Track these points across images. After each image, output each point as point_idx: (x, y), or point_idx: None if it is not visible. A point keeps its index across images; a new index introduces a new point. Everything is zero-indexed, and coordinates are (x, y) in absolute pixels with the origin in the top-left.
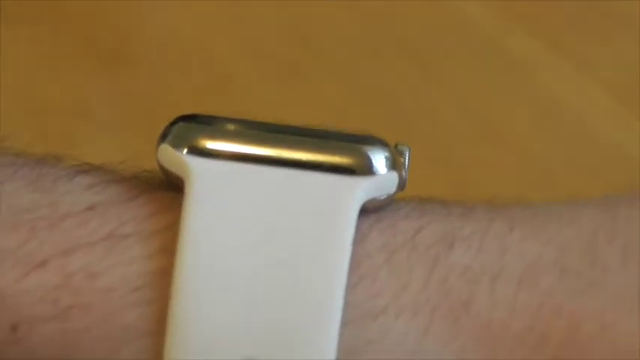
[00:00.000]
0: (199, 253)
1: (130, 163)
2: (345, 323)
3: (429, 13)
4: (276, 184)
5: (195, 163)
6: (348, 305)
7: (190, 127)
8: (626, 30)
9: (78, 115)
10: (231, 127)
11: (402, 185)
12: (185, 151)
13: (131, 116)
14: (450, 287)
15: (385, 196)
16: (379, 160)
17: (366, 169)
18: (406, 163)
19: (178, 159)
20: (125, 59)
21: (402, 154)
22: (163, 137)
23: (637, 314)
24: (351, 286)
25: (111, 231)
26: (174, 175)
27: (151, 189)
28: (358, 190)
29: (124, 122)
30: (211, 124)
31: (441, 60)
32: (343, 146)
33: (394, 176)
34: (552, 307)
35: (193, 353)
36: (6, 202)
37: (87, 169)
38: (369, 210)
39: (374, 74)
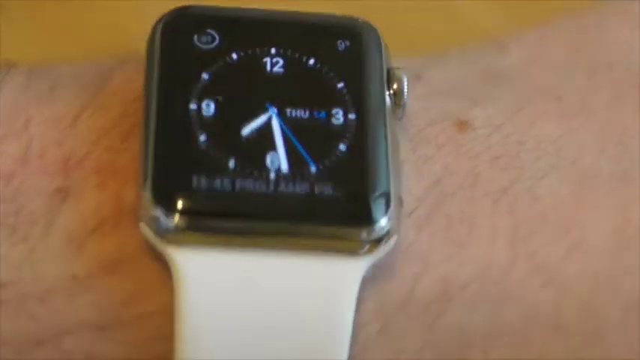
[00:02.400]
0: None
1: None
2: None
3: (430, 13)
4: (271, 271)
5: (181, 259)
6: None
7: (168, 218)
8: None
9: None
10: (211, 213)
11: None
12: (168, 240)
13: None
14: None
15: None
16: (383, 235)
17: (367, 249)
18: (405, 91)
19: (162, 248)
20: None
21: (399, 80)
22: (145, 180)
23: None
24: None
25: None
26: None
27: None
28: (359, 273)
29: None
30: (188, 208)
31: None
32: (343, 229)
33: (393, 240)
34: None
35: None
36: None
37: None
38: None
39: None
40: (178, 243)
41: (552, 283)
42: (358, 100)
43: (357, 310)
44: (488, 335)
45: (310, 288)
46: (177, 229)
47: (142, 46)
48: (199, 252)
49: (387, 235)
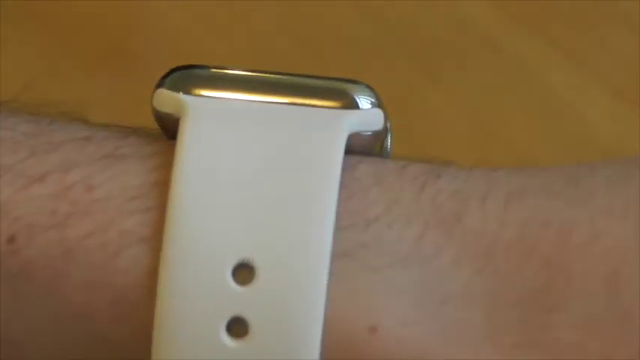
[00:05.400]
0: (197, 166)
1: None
2: (338, 229)
3: (429, 13)
4: (268, 115)
5: (191, 99)
6: (340, 214)
7: (186, 73)
8: (626, 30)
9: (78, 115)
10: (226, 74)
11: (386, 128)
12: (181, 93)
13: (131, 116)
14: (441, 204)
15: (371, 133)
16: (363, 96)
17: (350, 103)
18: (388, 141)
19: (174, 98)
20: (125, 59)
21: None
22: (159, 85)
23: (630, 221)
24: (342, 200)
25: (108, 152)
26: (169, 118)
27: (144, 132)
28: (344, 121)
29: (124, 122)
30: (206, 73)
31: (441, 60)
32: (329, 84)
33: (379, 112)
34: (541, 220)
35: (191, 255)
36: (5, 128)
37: (83, 119)
38: (355, 150)
39: (374, 74)
40: (191, 92)
41: (535, 176)
42: None
43: (351, 169)
44: (483, 196)
45: (301, 136)
46: (189, 86)
47: (140, 46)
48: (206, 99)
49: (369, 97)
